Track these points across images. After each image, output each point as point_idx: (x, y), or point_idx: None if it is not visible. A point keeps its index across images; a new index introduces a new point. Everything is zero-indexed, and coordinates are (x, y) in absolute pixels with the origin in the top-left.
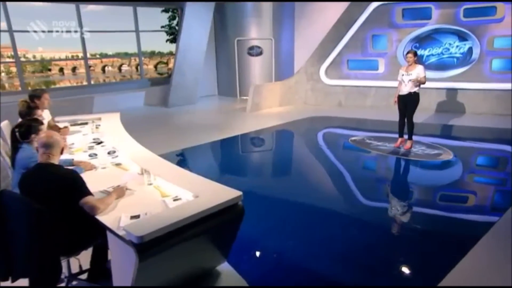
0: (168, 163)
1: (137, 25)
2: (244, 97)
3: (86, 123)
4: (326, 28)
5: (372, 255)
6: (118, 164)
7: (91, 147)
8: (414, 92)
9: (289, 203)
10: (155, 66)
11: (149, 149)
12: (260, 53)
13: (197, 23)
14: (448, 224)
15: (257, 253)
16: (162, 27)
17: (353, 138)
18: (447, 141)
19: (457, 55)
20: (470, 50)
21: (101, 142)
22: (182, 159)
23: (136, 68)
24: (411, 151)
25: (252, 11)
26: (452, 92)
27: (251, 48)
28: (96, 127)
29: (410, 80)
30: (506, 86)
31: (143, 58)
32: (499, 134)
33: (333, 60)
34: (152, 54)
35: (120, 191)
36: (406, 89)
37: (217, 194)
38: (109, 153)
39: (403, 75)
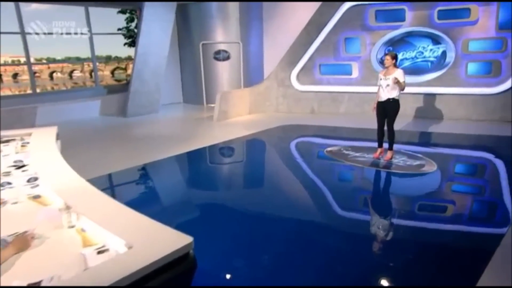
0: (102, 195)
1: (90, 27)
2: (211, 105)
3: (13, 140)
4: (297, 30)
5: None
6: (36, 197)
7: (7, 173)
8: (393, 99)
9: (261, 222)
10: (112, 72)
11: (100, 167)
12: (227, 58)
13: (158, 25)
14: (445, 246)
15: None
16: (119, 29)
17: (329, 149)
18: (428, 149)
19: (431, 59)
20: (444, 53)
21: (23, 166)
22: (136, 178)
23: (90, 74)
24: (392, 162)
25: (218, 12)
26: (428, 97)
27: (218, 52)
28: (22, 146)
29: (388, 85)
30: (482, 90)
31: (98, 64)
32: (478, 140)
33: (305, 64)
34: (108, 59)
35: (21, 242)
36: (384, 95)
37: (159, 241)
38: (29, 180)
39: (381, 79)
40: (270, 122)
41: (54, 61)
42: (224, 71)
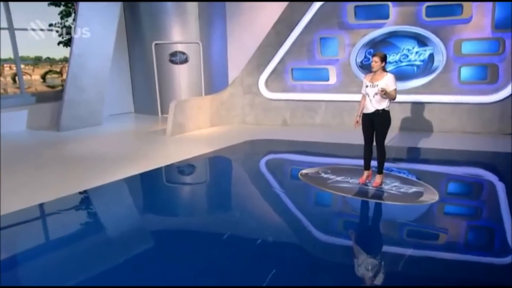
0: None
1: (11, 20)
2: (167, 115)
3: None
4: (265, 29)
5: None
6: None
7: None
8: (383, 110)
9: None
10: (43, 77)
11: (26, 196)
12: (185, 60)
13: (98, 20)
14: None
15: None
16: (51, 25)
17: (304, 172)
18: (421, 168)
19: (417, 62)
20: (431, 57)
21: None
22: (60, 213)
23: (13, 79)
24: (383, 189)
25: (174, 8)
26: (416, 106)
27: (174, 54)
28: None
29: (376, 93)
30: (477, 98)
31: (24, 66)
32: (476, 157)
33: (275, 69)
34: (37, 61)
35: None
36: (372, 105)
37: None
38: None
39: (367, 86)
40: (235, 136)
41: None
42: (182, 76)
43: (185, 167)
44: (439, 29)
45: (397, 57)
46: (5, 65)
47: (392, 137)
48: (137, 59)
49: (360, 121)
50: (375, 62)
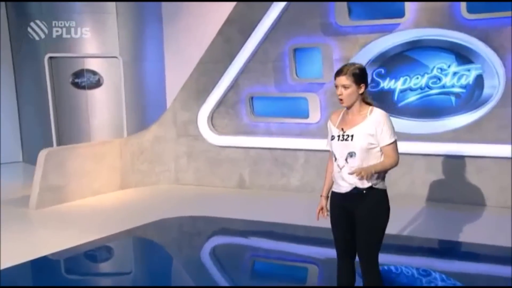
0: None
1: None
2: None
3: None
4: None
5: None
6: None
7: None
8: (371, 189)
9: None
10: None
11: None
12: (97, 84)
13: None
14: None
15: None
16: None
17: None
18: None
19: (456, 89)
20: (479, 80)
21: None
22: None
23: None
24: None
25: (81, 6)
26: (455, 162)
27: (78, 73)
28: None
29: (352, 154)
30: None
31: None
32: None
33: (224, 97)
34: None
35: None
36: (343, 178)
37: None
38: None
39: (333, 137)
40: (158, 207)
41: None
42: (92, 107)
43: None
44: (490, 33)
45: (423, 81)
46: None
47: (414, 213)
48: (26, 81)
49: (327, 208)
50: (343, 86)
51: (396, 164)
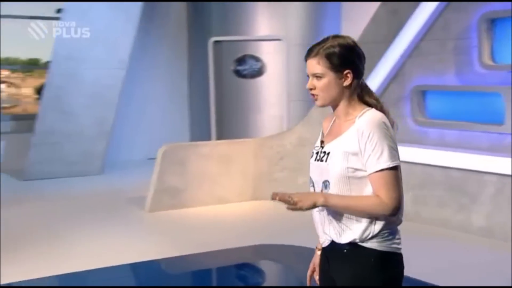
0: None
1: None
2: None
3: None
4: None
5: None
6: None
7: None
8: (356, 246)
9: None
10: (39, 90)
11: None
12: (258, 73)
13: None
14: None
15: None
16: (60, 11)
17: None
18: None
19: None
20: None
21: None
22: None
23: None
24: None
25: None
26: None
27: (241, 60)
28: None
29: (324, 182)
30: None
31: (9, 73)
32: None
33: (384, 90)
34: (32, 66)
35: None
36: (321, 225)
37: None
38: None
39: (312, 154)
40: (292, 227)
41: None
42: (256, 101)
43: None
44: None
45: None
46: None
47: None
48: (195, 69)
49: (317, 270)
50: (313, 75)
51: (389, 210)
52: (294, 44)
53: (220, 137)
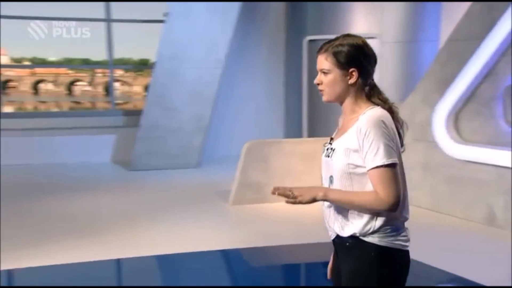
0: None
1: (109, 10)
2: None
3: None
4: None
5: None
6: None
7: None
8: (357, 239)
9: None
10: (147, 88)
11: None
12: None
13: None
14: None
15: None
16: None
17: None
18: None
19: None
20: None
21: None
22: None
23: (106, 89)
24: None
25: None
26: None
27: None
28: None
29: (330, 177)
30: None
31: (122, 72)
32: None
33: (475, 89)
34: (142, 66)
35: None
36: (329, 218)
37: None
38: None
39: (324, 150)
40: None
41: (44, 63)
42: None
43: None
44: None
45: None
46: (95, 71)
47: None
48: (292, 68)
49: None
50: (321, 71)
51: (386, 206)
52: (390, 42)
53: (311, 136)
